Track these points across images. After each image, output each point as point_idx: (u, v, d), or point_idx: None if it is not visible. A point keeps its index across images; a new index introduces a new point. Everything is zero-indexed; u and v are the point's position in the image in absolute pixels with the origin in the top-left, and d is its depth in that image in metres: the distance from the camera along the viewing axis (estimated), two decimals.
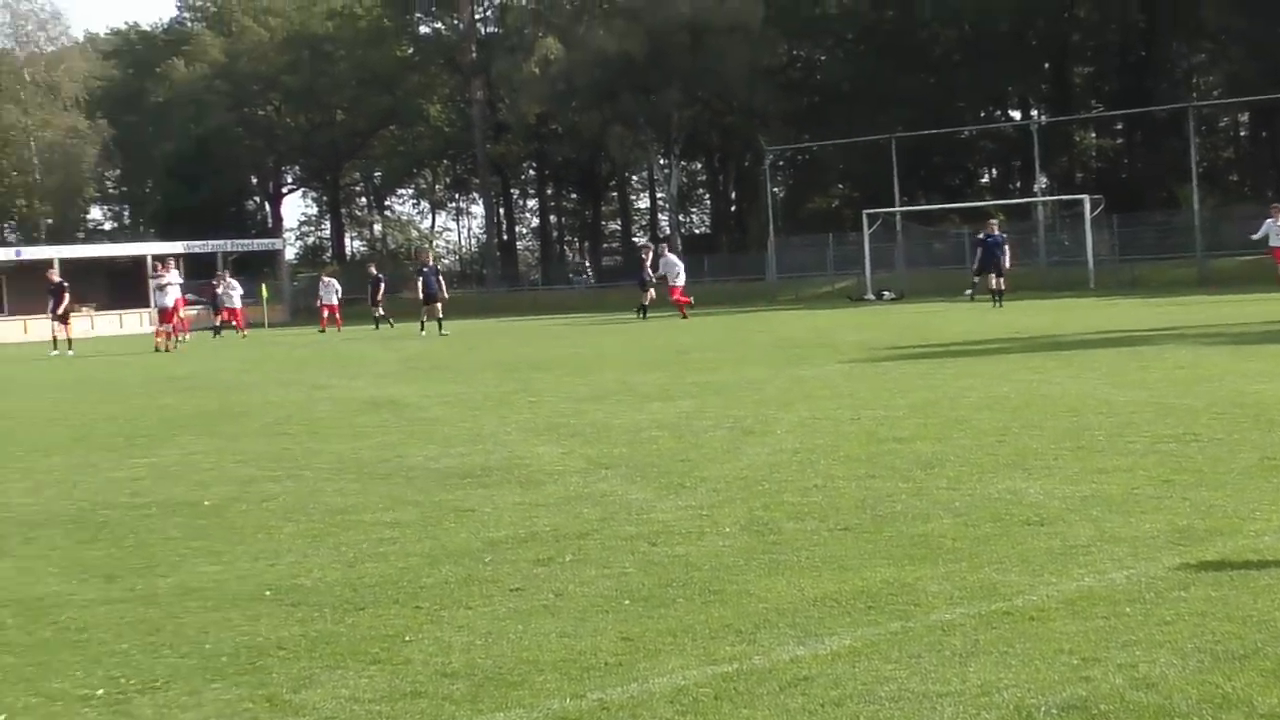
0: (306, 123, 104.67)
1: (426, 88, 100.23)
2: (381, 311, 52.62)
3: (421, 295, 43.00)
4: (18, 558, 8.71)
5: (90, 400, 22.08)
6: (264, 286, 60.40)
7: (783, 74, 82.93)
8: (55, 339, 42.29)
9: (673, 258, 47.50)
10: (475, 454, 12.58)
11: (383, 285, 54.40)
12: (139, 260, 71.76)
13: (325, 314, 54.53)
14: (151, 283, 40.99)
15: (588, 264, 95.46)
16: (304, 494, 10.78)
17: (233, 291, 51.73)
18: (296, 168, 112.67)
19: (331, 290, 55.65)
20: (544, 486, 10.55)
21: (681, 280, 46.62)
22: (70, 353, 41.19)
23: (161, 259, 43.19)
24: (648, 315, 45.34)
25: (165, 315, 40.88)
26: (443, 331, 41.11)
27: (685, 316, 44.27)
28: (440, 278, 44.39)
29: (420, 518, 9.46)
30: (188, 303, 44.57)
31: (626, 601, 6.84)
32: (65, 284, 43.45)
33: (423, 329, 42.12)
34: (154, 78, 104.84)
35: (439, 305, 42.46)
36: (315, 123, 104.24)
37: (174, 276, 40.85)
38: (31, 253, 77.29)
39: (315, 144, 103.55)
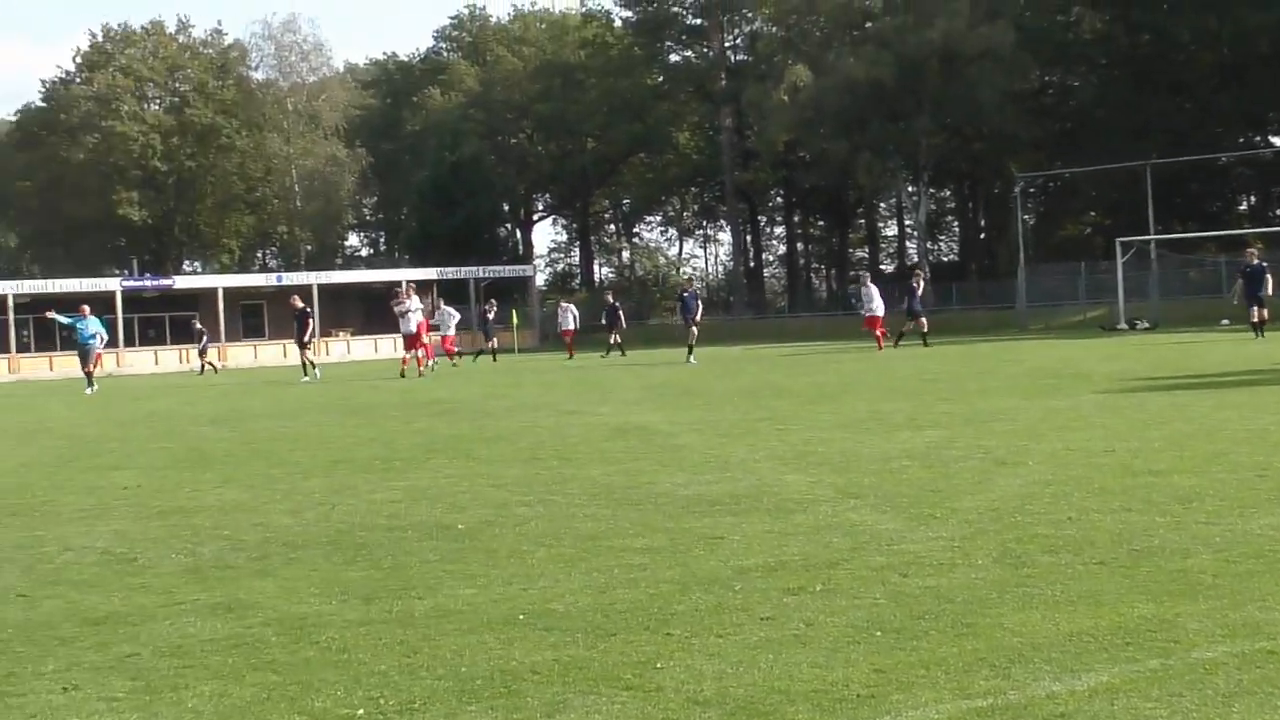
0: (557, 150, 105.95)
1: (676, 115, 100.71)
2: (617, 339, 53.02)
3: (682, 319, 43.24)
4: (280, 578, 8.92)
5: (349, 424, 22.54)
6: (514, 312, 61.26)
7: (1034, 100, 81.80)
8: (304, 365, 43.15)
9: (873, 289, 46.89)
10: (724, 481, 12.58)
11: (620, 313, 54.81)
12: (394, 285, 73.26)
13: (568, 340, 55.11)
14: (395, 309, 41.65)
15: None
16: (556, 519, 10.88)
17: (449, 319, 52.28)
18: (547, 195, 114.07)
19: (569, 316, 56.16)
20: (793, 515, 10.50)
21: (880, 311, 45.94)
22: (317, 375, 42.09)
23: (403, 286, 43.86)
24: (928, 342, 45.00)
25: (410, 342, 41.40)
26: (691, 359, 41.16)
27: (882, 348, 43.76)
28: (699, 303, 44.53)
29: (670, 544, 9.48)
30: (431, 328, 45.16)
31: (878, 633, 6.78)
32: (309, 311, 44.39)
33: (690, 356, 41.95)
34: (410, 106, 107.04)
35: (694, 331, 42.62)
36: (566, 150, 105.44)
37: (414, 303, 41.43)
38: (291, 278, 79.28)
39: (565, 171, 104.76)
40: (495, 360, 52.87)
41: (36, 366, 67.60)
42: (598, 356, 51.07)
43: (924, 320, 46.58)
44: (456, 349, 51.09)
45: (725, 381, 30.31)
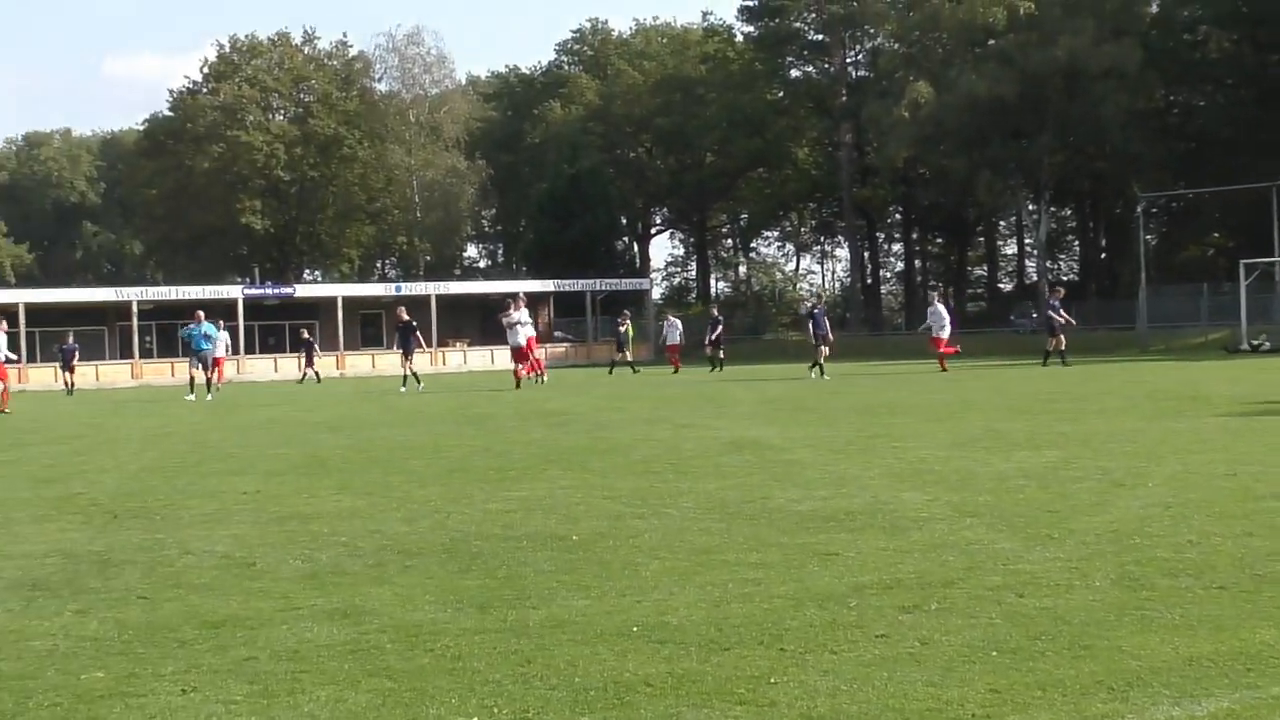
0: (676, 164, 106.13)
1: (795, 131, 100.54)
2: (720, 353, 52.96)
3: (812, 337, 42.96)
4: (396, 585, 8.97)
5: (464, 433, 22.66)
6: (629, 325, 61.29)
7: (1159, 119, 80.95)
8: (405, 376, 43.25)
9: (941, 309, 46.12)
10: (838, 498, 12.53)
11: (720, 327, 54.74)
12: (511, 297, 73.62)
13: (674, 355, 54.94)
14: (503, 321, 41.73)
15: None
16: (670, 532, 10.87)
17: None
18: (665, 208, 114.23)
19: (675, 331, 55.96)
20: (908, 533, 10.44)
21: (946, 333, 45.20)
22: (419, 387, 42.26)
23: (513, 297, 43.76)
24: (1067, 361, 44.39)
25: (518, 354, 41.30)
26: (824, 375, 40.84)
27: (944, 369, 43.14)
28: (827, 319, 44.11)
29: (784, 560, 9.45)
30: (539, 341, 45.14)
31: (994, 653, 6.73)
32: (415, 324, 44.55)
33: (817, 371, 41.60)
34: (531, 119, 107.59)
35: (825, 349, 42.31)
36: (684, 164, 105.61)
37: (522, 315, 41.40)
38: (410, 288, 79.91)
39: (684, 185, 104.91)
40: (636, 371, 52.77)
41: (159, 372, 68.48)
42: (712, 371, 51.00)
43: (1062, 339, 45.66)
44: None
45: (840, 398, 30.19)
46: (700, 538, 10.52)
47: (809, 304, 48.80)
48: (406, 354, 43.63)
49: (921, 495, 12.50)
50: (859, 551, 9.66)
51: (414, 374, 43.07)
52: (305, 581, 9.18)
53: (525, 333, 41.07)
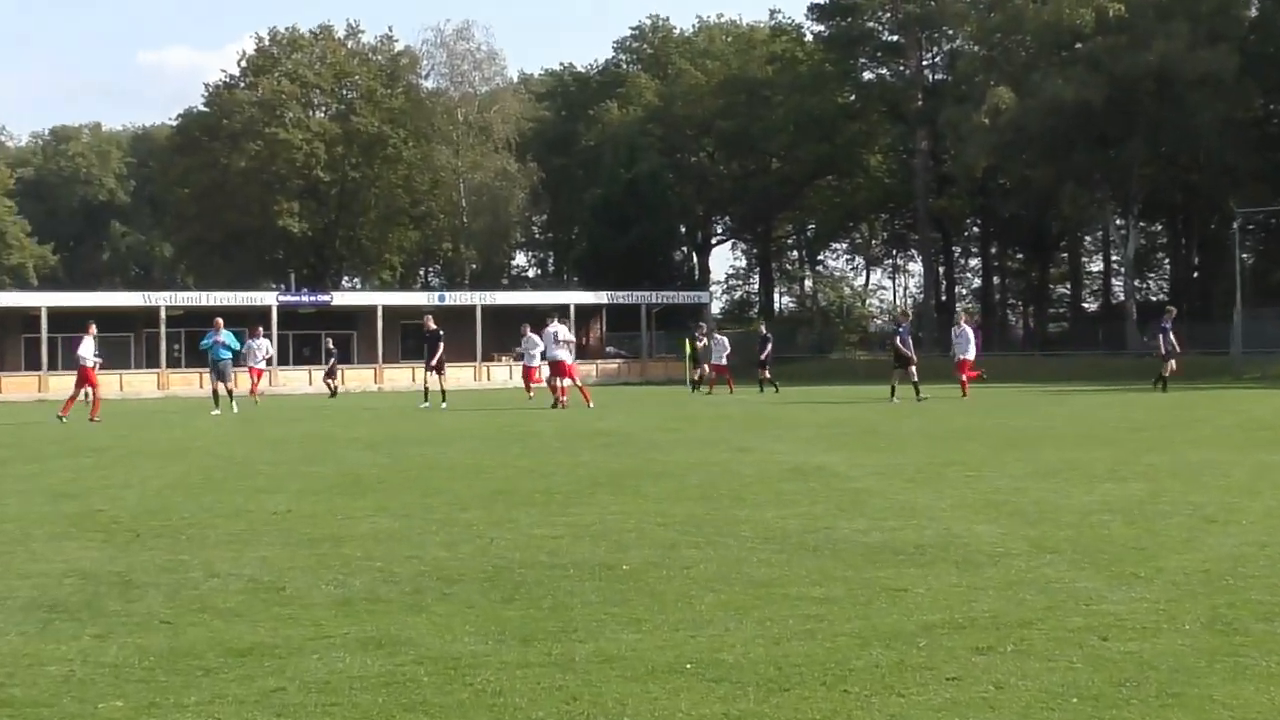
0: (739, 169, 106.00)
1: (867, 136, 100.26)
2: (767, 373, 52.77)
3: (895, 357, 42.64)
4: (434, 614, 8.96)
5: (509, 453, 22.69)
6: (686, 342, 61.02)
7: (1257, 129, 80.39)
8: (427, 390, 43.10)
9: (967, 330, 45.63)
10: (908, 529, 12.47)
11: (769, 346, 54.52)
12: (562, 308, 73.55)
13: (715, 375, 54.52)
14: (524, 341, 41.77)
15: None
16: (727, 563, 10.84)
17: (533, 350, 50.72)
18: (726, 217, 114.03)
19: (722, 349, 55.37)
20: (983, 569, 10.38)
21: (970, 355, 44.77)
22: (444, 405, 42.10)
23: (552, 314, 43.58)
24: (1167, 387, 44.05)
25: (557, 369, 40.95)
26: (920, 396, 40.55)
27: (966, 394, 42.75)
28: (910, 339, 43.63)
29: (849, 595, 9.40)
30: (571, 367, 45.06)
31: (1074, 699, 6.66)
32: (441, 333, 44.50)
33: (911, 390, 41.32)
34: (586, 120, 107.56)
35: (913, 369, 41.97)
36: (748, 170, 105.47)
37: (563, 334, 41.28)
38: (454, 297, 79.91)
39: (747, 192, 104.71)
40: (710, 392, 52.57)
41: (187, 383, 68.74)
42: (762, 392, 50.82)
43: (1174, 364, 45.19)
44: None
45: (910, 422, 30.09)
46: (759, 569, 10.49)
47: (891, 321, 47.83)
48: (433, 367, 43.69)
49: (997, 528, 12.43)
50: (929, 588, 9.61)
51: (441, 390, 42.99)
52: (337, 608, 9.19)
53: (562, 353, 40.76)
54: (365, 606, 9.23)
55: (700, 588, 9.75)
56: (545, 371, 42.86)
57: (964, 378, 43.79)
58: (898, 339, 42.96)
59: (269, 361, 51.16)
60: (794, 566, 10.61)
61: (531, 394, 45.86)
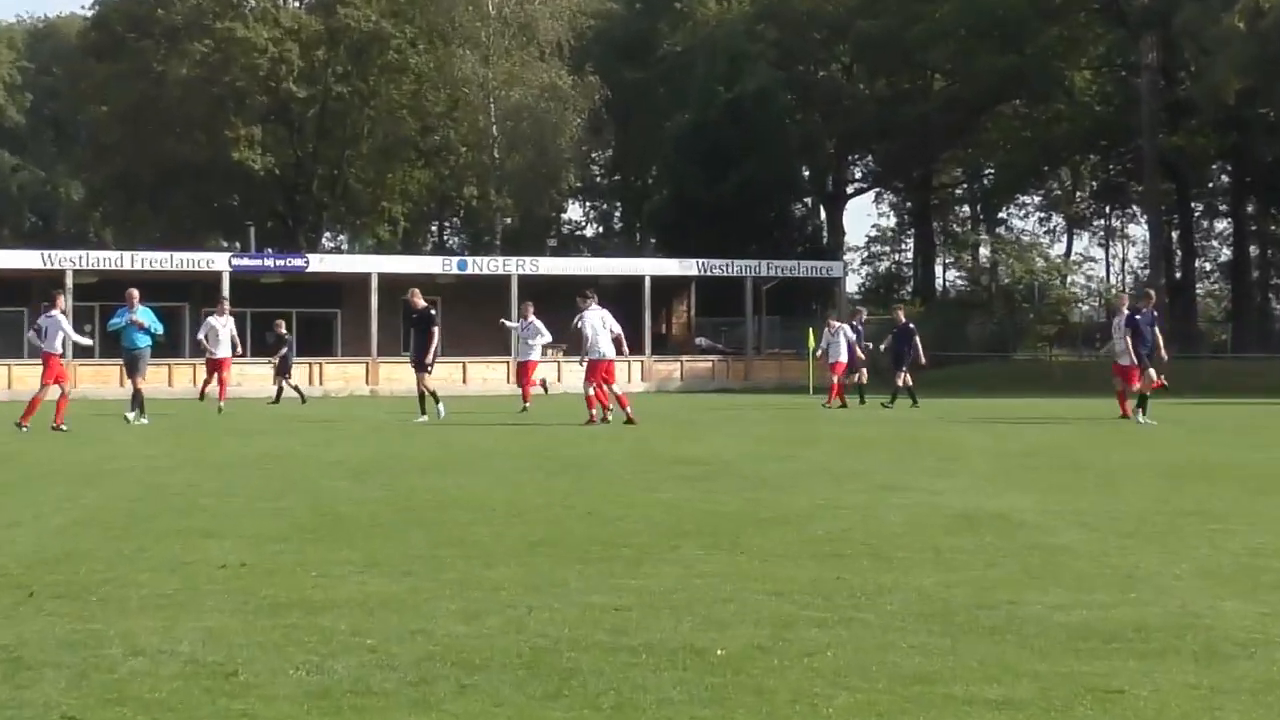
0: (887, 90, 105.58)
1: (1071, 44, 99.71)
2: (906, 379, 52.28)
3: (1131, 353, 42.25)
4: (449, 713, 8.97)
5: (554, 485, 22.70)
6: (810, 333, 60.94)
7: None
8: (422, 397, 42.35)
9: (1140, 319, 44.95)
10: (1125, 605, 12.44)
11: (915, 339, 54.02)
12: (632, 283, 73.40)
13: (850, 378, 54.27)
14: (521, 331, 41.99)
15: None
16: (865, 648, 10.84)
17: (533, 340, 50.49)
18: (869, 157, 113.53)
19: (841, 343, 54.70)
20: (1233, 662, 10.35)
21: (1136, 358, 44.14)
22: (440, 411, 42.09)
23: (584, 293, 42.89)
24: None
25: (593, 370, 40.47)
26: (1144, 417, 40.34)
27: (1125, 414, 42.24)
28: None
29: (1041, 696, 9.39)
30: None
31: None
32: (434, 314, 43.82)
33: (1139, 413, 41.04)
34: (671, 16, 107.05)
35: (1151, 372, 41.61)
36: (900, 91, 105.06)
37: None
38: (481, 264, 79.66)
39: (898, 123, 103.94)
40: (863, 402, 52.66)
41: (103, 378, 68.95)
42: (904, 406, 50.69)
43: None
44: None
45: (1130, 452, 30.02)
46: (911, 659, 10.49)
47: (1123, 306, 46.39)
48: (423, 363, 43.24)
49: (1253, 606, 12.40)
50: (1157, 688, 9.59)
51: (433, 393, 42.78)
52: (312, 703, 9.22)
53: (604, 348, 40.43)
54: (351, 702, 9.26)
55: (827, 683, 9.75)
56: (578, 371, 42.94)
57: (1126, 388, 42.95)
58: (1129, 330, 41.97)
59: (235, 348, 50.88)
60: (960, 655, 10.60)
61: (529, 402, 46.60)
